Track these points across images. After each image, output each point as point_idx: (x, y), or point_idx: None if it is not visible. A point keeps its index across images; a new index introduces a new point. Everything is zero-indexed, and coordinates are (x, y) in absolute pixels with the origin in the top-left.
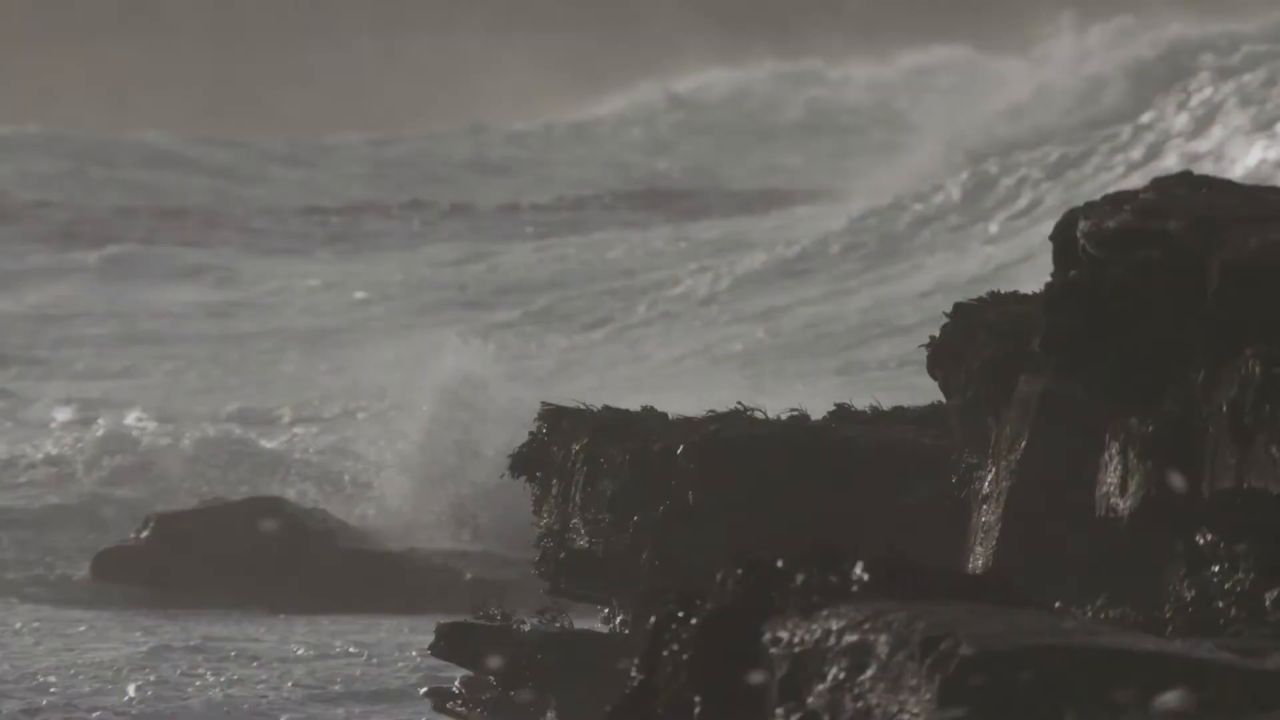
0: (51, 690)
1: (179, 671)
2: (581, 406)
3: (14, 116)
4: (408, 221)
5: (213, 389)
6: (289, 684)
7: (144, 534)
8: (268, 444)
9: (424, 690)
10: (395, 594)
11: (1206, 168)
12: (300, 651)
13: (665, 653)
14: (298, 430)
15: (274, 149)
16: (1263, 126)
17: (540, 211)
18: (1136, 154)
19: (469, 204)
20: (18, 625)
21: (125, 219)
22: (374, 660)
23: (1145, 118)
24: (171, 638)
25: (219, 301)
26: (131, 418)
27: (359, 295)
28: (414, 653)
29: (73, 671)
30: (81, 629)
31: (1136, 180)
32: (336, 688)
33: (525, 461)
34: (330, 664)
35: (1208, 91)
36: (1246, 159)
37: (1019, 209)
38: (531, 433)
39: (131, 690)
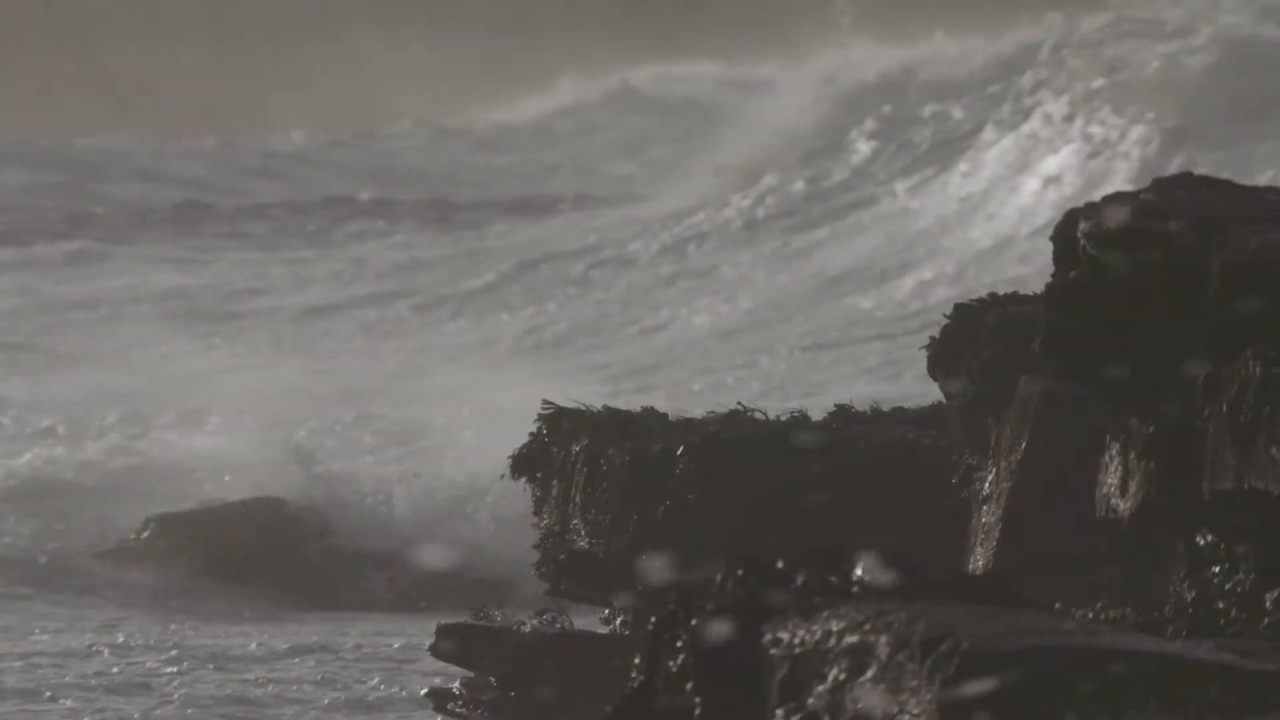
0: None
1: (142, 669)
2: (582, 407)
3: (10, 117)
4: (372, 219)
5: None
6: (291, 685)
7: (144, 534)
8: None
9: (424, 691)
10: (395, 594)
11: (1075, 130)
12: (298, 651)
13: (665, 654)
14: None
15: (251, 148)
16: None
17: (499, 208)
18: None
19: (428, 201)
20: None
21: (102, 217)
22: (374, 660)
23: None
24: (163, 637)
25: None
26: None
27: (311, 289)
28: (405, 651)
29: (29, 662)
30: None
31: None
32: (336, 689)
33: (525, 462)
34: (330, 664)
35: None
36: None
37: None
38: (531, 434)
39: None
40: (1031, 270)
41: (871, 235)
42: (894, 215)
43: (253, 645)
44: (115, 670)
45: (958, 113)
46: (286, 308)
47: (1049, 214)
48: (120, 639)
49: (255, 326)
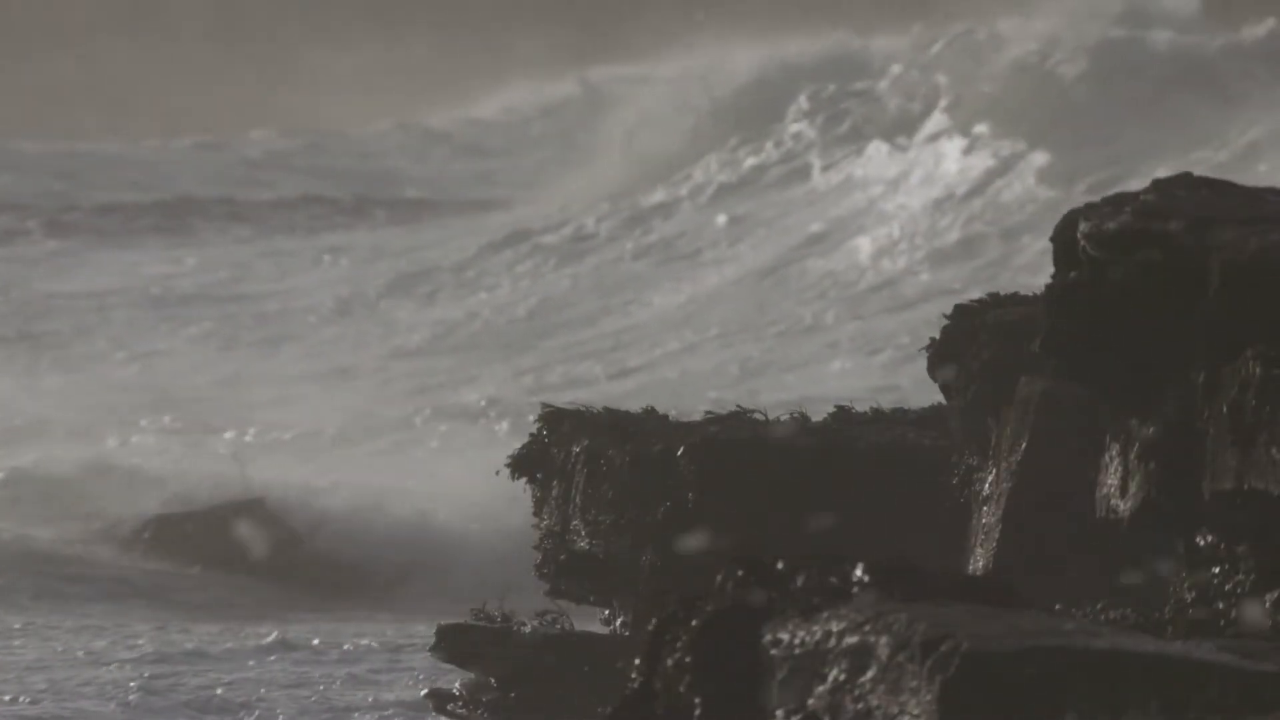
0: None
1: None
2: (582, 409)
3: (7, 118)
4: (346, 216)
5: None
6: (259, 687)
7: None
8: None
9: (424, 692)
10: (393, 595)
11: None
12: (270, 651)
13: (665, 654)
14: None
15: (234, 149)
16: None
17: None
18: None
19: (400, 199)
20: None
21: (86, 215)
22: (373, 661)
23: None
24: (158, 643)
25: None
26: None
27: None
28: (376, 653)
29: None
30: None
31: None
32: (306, 691)
33: (525, 463)
34: (327, 666)
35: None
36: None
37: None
38: (532, 434)
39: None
40: (972, 232)
41: (820, 206)
42: (837, 187)
43: (226, 647)
44: (88, 672)
45: (882, 94)
46: (264, 300)
47: (977, 177)
48: (98, 642)
49: (232, 319)
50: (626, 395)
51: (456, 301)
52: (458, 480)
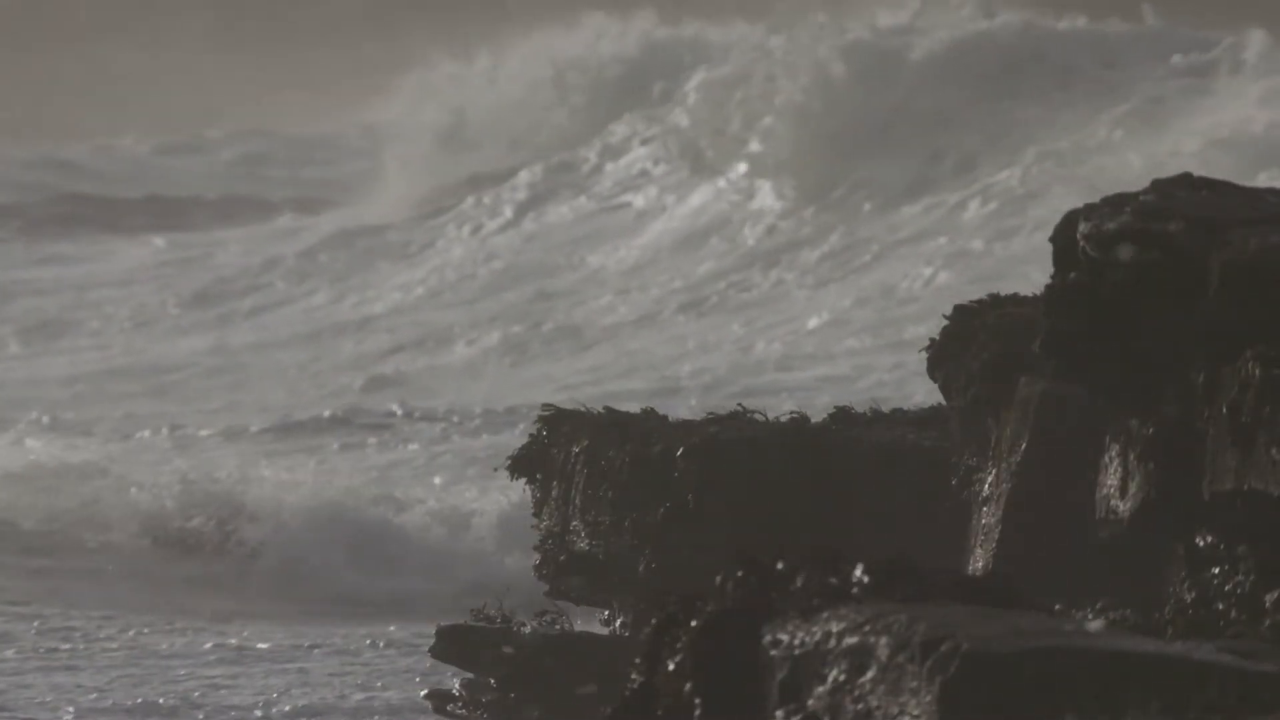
0: None
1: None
2: (582, 409)
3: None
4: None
5: None
6: (219, 690)
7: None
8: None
9: (424, 693)
10: (395, 595)
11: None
12: (299, 655)
13: (665, 655)
14: None
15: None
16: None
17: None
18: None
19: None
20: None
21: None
22: (373, 663)
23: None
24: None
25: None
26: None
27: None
28: (412, 654)
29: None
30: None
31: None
32: (335, 691)
33: (525, 464)
34: (328, 667)
35: None
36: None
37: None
38: (531, 435)
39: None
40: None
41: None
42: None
43: (204, 647)
44: (50, 675)
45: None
46: (229, 272)
47: None
48: (64, 645)
49: (203, 296)
50: (604, 366)
51: (415, 265)
52: (428, 475)
